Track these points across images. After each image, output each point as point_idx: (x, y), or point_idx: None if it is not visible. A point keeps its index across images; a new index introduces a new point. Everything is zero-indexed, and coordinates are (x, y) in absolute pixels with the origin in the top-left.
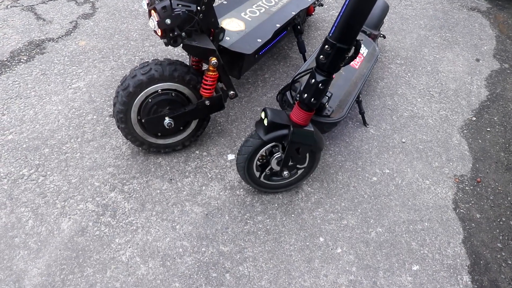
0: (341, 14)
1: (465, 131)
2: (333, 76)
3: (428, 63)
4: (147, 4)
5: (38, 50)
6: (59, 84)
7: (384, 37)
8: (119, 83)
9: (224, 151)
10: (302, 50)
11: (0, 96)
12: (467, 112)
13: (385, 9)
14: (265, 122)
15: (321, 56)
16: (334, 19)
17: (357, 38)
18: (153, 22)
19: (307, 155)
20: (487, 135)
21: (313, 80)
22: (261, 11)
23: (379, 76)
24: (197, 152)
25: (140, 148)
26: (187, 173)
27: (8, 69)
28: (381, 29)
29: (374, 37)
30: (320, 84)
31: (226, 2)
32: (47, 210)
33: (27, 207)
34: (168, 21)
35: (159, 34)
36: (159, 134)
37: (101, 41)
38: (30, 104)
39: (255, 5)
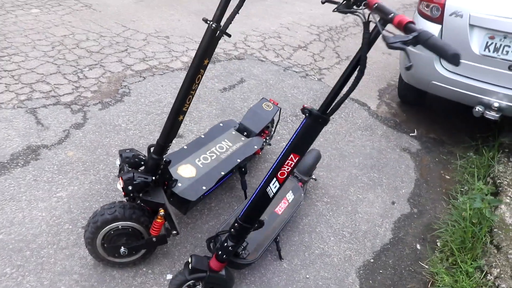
0: (247, 204)
1: (361, 272)
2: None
3: (350, 203)
4: (119, 165)
5: (33, 155)
6: (46, 192)
7: (315, 179)
8: (92, 215)
9: (164, 271)
10: (244, 188)
11: None
12: (368, 254)
13: (318, 158)
14: (190, 266)
15: (232, 230)
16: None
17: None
18: (119, 185)
19: None
20: (378, 276)
21: (225, 244)
22: (212, 158)
23: (305, 213)
24: (144, 269)
25: (100, 262)
26: (133, 287)
27: (7, 171)
28: (321, 166)
29: (304, 182)
30: (230, 247)
31: (186, 147)
32: None
33: None
34: (130, 187)
35: (123, 194)
36: (116, 255)
37: (85, 153)
38: (20, 207)
39: (209, 151)
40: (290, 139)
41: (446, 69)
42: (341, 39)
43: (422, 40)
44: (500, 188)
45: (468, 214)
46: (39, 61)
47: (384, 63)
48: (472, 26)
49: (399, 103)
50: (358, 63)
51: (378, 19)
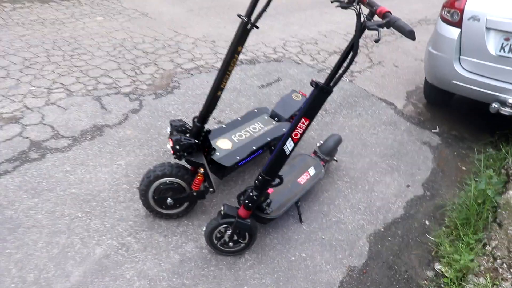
0: (269, 160)
1: (371, 238)
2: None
3: (367, 184)
4: (169, 132)
5: (98, 132)
6: (109, 160)
7: (336, 161)
8: (146, 172)
9: (202, 224)
10: None
11: (72, 162)
12: (380, 224)
13: (339, 141)
14: (222, 212)
15: (256, 181)
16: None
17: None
18: (169, 145)
19: (247, 235)
20: (387, 243)
21: (250, 194)
22: (246, 135)
23: (326, 189)
24: (185, 221)
25: (151, 213)
26: (176, 234)
27: (78, 143)
28: (344, 152)
29: (325, 162)
30: (254, 196)
31: (225, 126)
32: (89, 240)
33: (78, 236)
34: (177, 147)
35: (171, 152)
36: (164, 207)
37: (141, 132)
38: (88, 171)
39: (244, 130)
40: (301, 107)
41: (465, 69)
42: (375, 46)
43: (391, 22)
44: (511, 178)
45: (472, 194)
46: (103, 59)
47: (415, 68)
48: (488, 29)
49: (426, 104)
50: (353, 47)
51: (367, 12)
